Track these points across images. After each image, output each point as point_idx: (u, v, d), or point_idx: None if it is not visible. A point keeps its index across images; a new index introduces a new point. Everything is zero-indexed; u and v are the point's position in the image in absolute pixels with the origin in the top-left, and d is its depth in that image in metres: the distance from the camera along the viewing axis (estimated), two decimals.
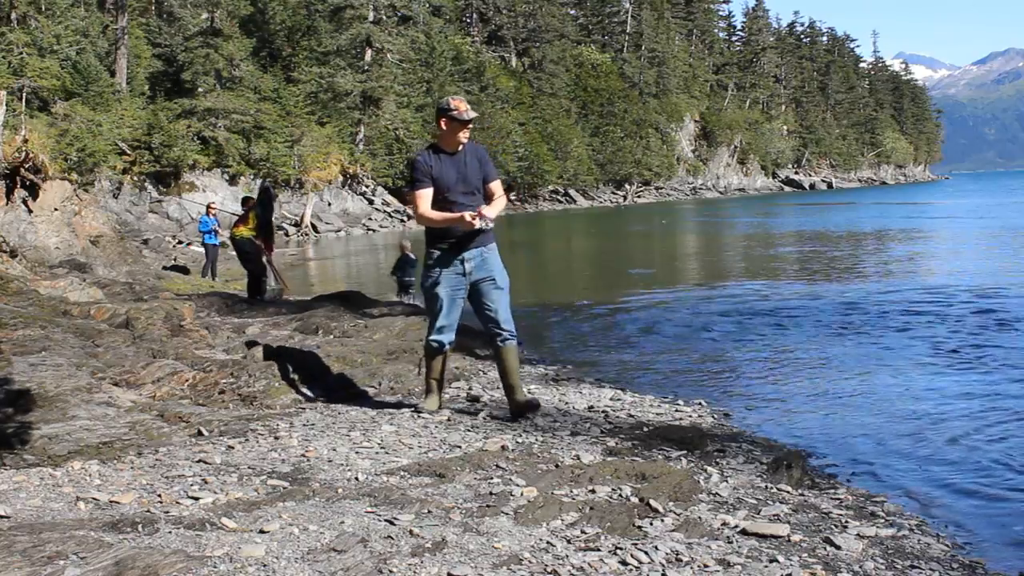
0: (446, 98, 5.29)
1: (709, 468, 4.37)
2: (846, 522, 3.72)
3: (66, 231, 14.62)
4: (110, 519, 3.35)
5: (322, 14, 46.86)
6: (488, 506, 3.66)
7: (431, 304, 5.34)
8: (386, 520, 3.43)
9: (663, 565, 3.13)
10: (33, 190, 14.08)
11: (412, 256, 12.97)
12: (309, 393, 6.00)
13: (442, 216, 5.18)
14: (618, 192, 68.29)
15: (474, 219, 5.06)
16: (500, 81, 59.30)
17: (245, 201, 13.05)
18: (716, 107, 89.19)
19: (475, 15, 68.32)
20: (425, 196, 5.20)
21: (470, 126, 5.22)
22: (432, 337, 5.35)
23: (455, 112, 5.15)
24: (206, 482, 3.98)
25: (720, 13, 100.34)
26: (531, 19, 68.16)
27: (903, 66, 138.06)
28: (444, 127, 5.21)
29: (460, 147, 5.25)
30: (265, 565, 2.94)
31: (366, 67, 45.51)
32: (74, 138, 28.07)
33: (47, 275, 10.85)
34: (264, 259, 12.01)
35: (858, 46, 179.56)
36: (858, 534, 3.57)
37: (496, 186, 5.37)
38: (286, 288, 13.07)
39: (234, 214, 19.31)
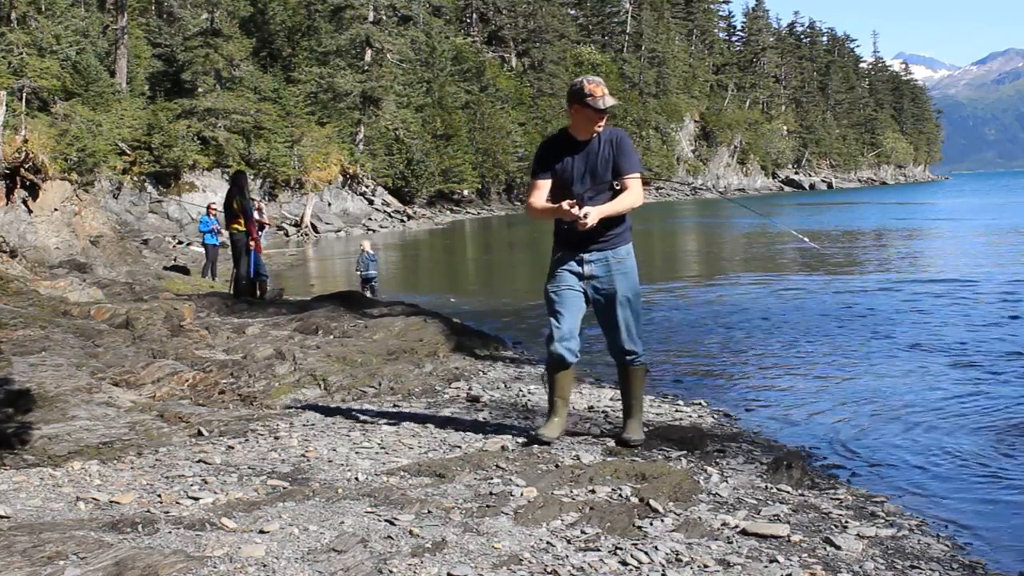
0: (580, 79, 4.51)
1: (709, 468, 4.37)
2: (846, 522, 3.72)
3: (66, 231, 14.62)
4: (110, 519, 3.35)
5: (322, 14, 46.90)
6: (488, 506, 3.66)
7: (548, 309, 4.66)
8: (386, 520, 3.42)
9: (663, 565, 3.13)
10: (33, 190, 14.08)
11: (370, 252, 14.85)
12: (309, 393, 6.00)
13: (543, 207, 4.53)
14: None
15: (572, 207, 4.33)
16: (500, 81, 59.33)
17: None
18: (716, 107, 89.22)
19: (475, 15, 68.33)
20: (540, 188, 4.55)
21: (607, 115, 4.49)
22: (551, 347, 4.61)
23: (590, 99, 4.40)
24: (206, 482, 3.98)
25: (720, 13, 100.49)
26: (531, 19, 68.17)
27: (903, 66, 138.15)
28: (576, 114, 4.49)
29: (593, 135, 4.53)
30: (265, 565, 2.94)
31: (366, 67, 45.53)
32: (74, 138, 28.09)
33: (47, 275, 10.85)
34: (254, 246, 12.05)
35: (858, 46, 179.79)
36: (858, 534, 3.57)
37: (629, 181, 4.52)
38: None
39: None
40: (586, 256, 4.57)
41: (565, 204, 4.36)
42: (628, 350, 4.63)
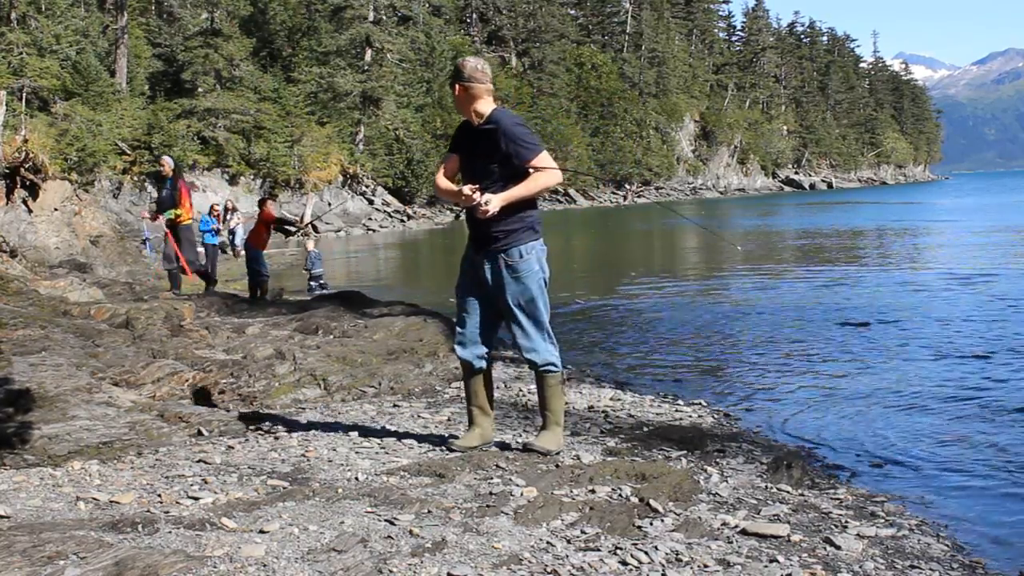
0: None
1: (709, 468, 4.37)
2: (846, 522, 3.72)
3: (66, 231, 14.62)
4: (110, 519, 3.35)
5: (322, 14, 46.90)
6: (488, 506, 3.66)
7: (456, 309, 4.45)
8: (386, 520, 3.42)
9: (663, 565, 3.13)
10: (33, 190, 14.10)
11: (315, 251, 15.56)
12: (309, 393, 5.99)
13: (445, 186, 4.34)
14: (618, 192, 68.35)
15: (474, 192, 4.05)
16: (500, 81, 59.31)
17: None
18: (716, 107, 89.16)
19: (475, 15, 68.30)
20: (446, 163, 4.40)
21: (457, 91, 4.24)
22: (456, 352, 4.43)
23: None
24: (206, 482, 3.98)
25: (720, 13, 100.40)
26: (531, 19, 68.13)
27: (903, 66, 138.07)
28: None
29: (481, 118, 4.21)
30: (265, 565, 2.94)
31: (366, 67, 45.52)
32: (74, 138, 28.10)
33: (47, 275, 10.85)
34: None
35: (858, 46, 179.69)
36: (858, 534, 3.57)
37: (535, 165, 4.11)
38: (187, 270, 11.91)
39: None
40: (476, 258, 4.30)
41: (466, 188, 4.08)
42: (528, 359, 4.34)
